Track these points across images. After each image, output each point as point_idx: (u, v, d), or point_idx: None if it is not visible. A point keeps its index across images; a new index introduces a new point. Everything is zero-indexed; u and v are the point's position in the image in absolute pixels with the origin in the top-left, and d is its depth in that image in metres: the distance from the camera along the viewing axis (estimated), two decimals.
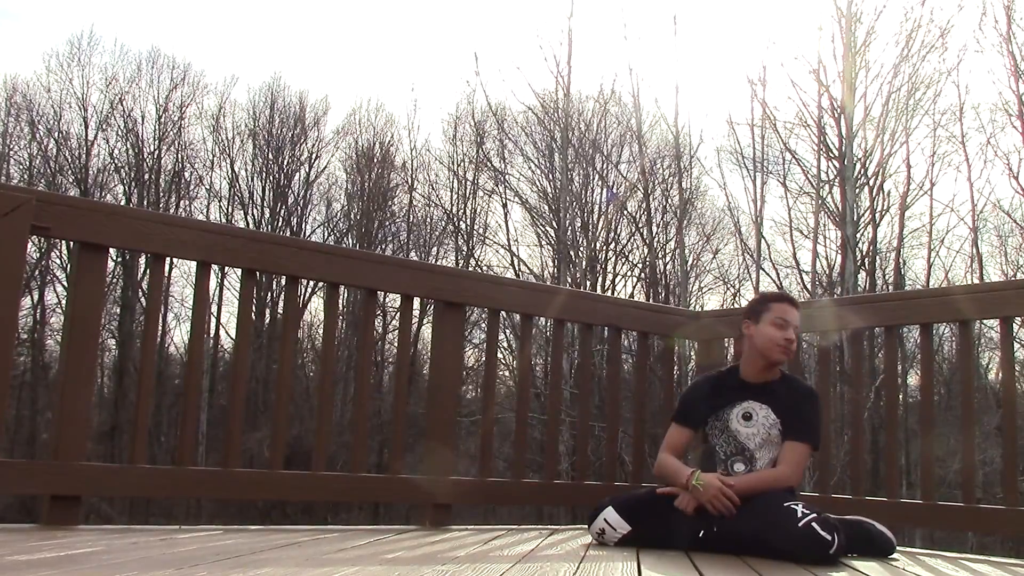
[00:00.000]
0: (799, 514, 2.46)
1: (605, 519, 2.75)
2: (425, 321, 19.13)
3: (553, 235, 18.47)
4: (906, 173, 15.84)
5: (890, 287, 16.45)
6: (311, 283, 15.92)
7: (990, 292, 3.33)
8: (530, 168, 19.92)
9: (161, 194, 22.66)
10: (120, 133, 22.49)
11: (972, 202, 16.07)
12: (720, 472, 2.80)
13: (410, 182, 23.43)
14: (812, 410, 2.86)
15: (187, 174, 23.03)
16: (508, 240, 21.08)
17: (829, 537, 2.43)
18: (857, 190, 14.79)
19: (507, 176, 20.33)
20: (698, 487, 2.67)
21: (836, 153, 14.72)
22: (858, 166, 14.79)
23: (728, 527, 2.61)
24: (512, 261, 20.38)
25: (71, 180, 21.86)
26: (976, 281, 15.70)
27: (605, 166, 19.74)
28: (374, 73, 35.32)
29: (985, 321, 10.29)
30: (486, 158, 21.07)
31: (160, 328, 20.03)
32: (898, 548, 2.82)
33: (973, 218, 16.21)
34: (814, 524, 2.44)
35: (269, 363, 19.88)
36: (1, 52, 29.39)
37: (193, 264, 3.05)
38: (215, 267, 3.17)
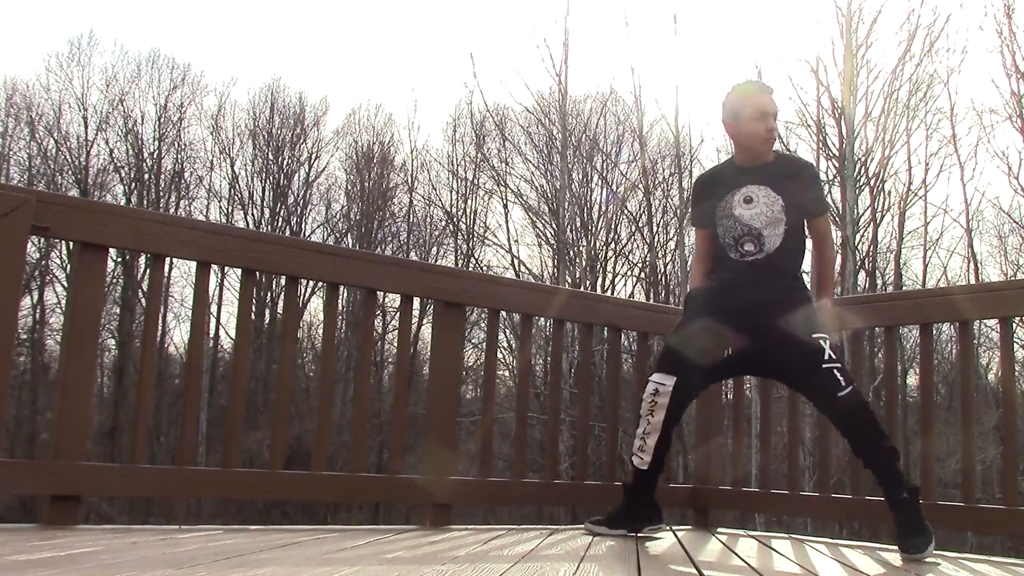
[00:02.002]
0: (826, 355, 2.76)
1: (653, 380, 3.00)
2: (425, 321, 19.13)
3: (552, 235, 18.48)
4: (907, 173, 15.86)
5: (890, 287, 16.46)
6: (311, 283, 15.92)
7: (989, 292, 3.33)
8: (529, 169, 19.94)
9: (161, 194, 22.67)
10: (120, 133, 22.51)
11: (966, 203, 16.10)
12: (732, 255, 2.98)
13: (410, 182, 23.45)
14: (817, 181, 3.17)
15: (187, 174, 23.07)
16: (508, 240, 21.11)
17: (844, 382, 2.74)
18: (858, 191, 14.79)
19: (507, 176, 20.35)
20: None
21: (836, 153, 14.72)
22: (858, 166, 14.79)
23: (759, 349, 2.93)
24: (512, 262, 20.40)
25: (71, 180, 21.88)
26: (972, 282, 15.71)
27: (605, 165, 19.76)
28: (373, 74, 35.36)
29: (985, 321, 10.29)
30: (485, 158, 21.08)
31: (160, 328, 20.03)
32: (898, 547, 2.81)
33: (967, 219, 16.23)
34: (835, 371, 2.74)
35: (269, 363, 19.88)
36: (0, 52, 29.41)
37: (193, 264, 3.05)
38: (215, 267, 3.17)
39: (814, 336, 2.81)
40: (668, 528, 3.32)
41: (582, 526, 3.21)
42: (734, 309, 2.93)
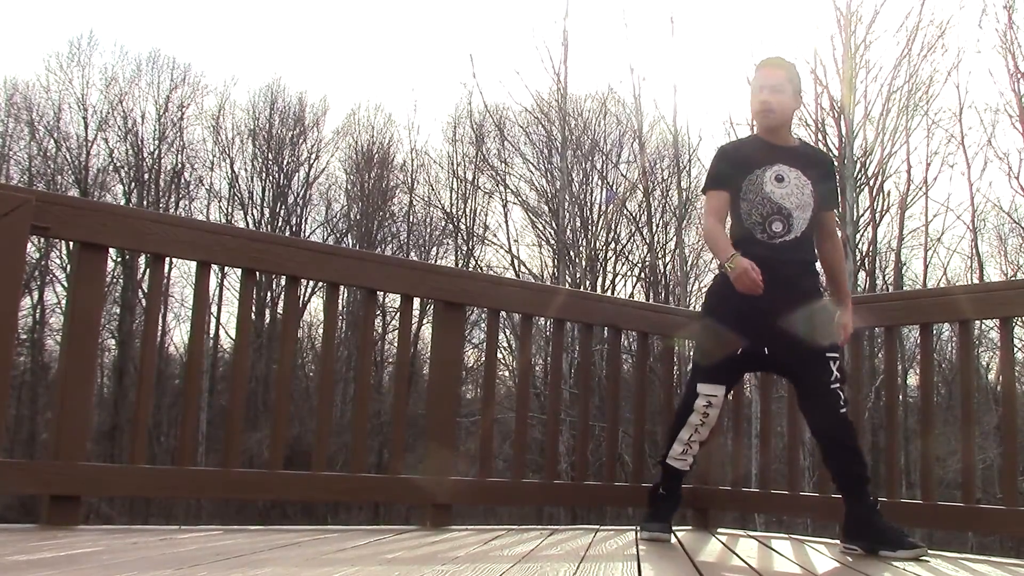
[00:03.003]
0: (834, 376, 2.80)
1: (704, 393, 2.98)
2: (425, 321, 19.14)
3: (552, 235, 18.49)
4: (906, 173, 15.86)
5: (890, 287, 16.46)
6: (311, 283, 15.92)
7: (990, 292, 3.33)
8: (528, 169, 19.95)
9: (161, 194, 22.67)
10: (120, 133, 22.52)
11: (972, 203, 16.09)
12: (758, 235, 2.93)
13: (410, 182, 23.47)
14: (836, 174, 3.19)
15: (187, 174, 23.07)
16: (508, 240, 21.12)
17: (843, 402, 2.81)
18: (857, 190, 14.78)
19: (507, 176, 20.36)
20: (730, 268, 2.82)
21: (836, 153, 14.72)
22: (858, 165, 14.79)
23: (780, 352, 2.94)
24: (512, 262, 20.41)
25: (71, 180, 21.88)
26: (976, 281, 15.70)
27: (605, 166, 19.77)
28: (373, 74, 35.36)
29: (985, 321, 10.29)
30: (485, 159, 21.09)
31: (160, 328, 20.03)
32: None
33: (972, 218, 16.22)
34: (840, 391, 2.80)
35: (269, 363, 19.88)
36: (0, 53, 29.41)
37: (193, 264, 3.05)
38: (215, 267, 3.17)
39: (828, 355, 2.84)
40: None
41: (583, 526, 3.21)
42: (758, 311, 2.87)
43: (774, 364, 3.09)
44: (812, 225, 2.97)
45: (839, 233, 3.17)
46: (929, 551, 2.73)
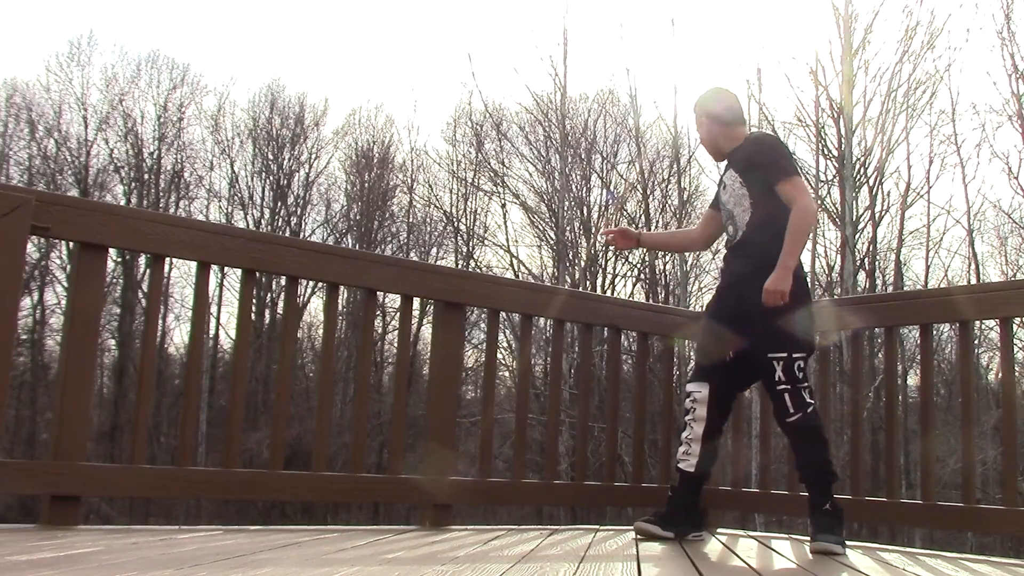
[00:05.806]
0: (776, 377, 2.82)
1: (688, 390, 3.07)
2: (425, 321, 19.13)
3: (552, 235, 18.48)
4: (907, 173, 15.85)
5: (890, 287, 16.46)
6: (311, 283, 15.92)
7: (990, 293, 3.32)
8: (527, 171, 19.95)
9: (161, 194, 22.67)
10: (120, 133, 22.52)
11: (967, 204, 16.07)
12: (724, 244, 3.14)
13: (409, 183, 23.46)
14: (767, 148, 3.04)
15: (187, 174, 23.07)
16: (507, 240, 21.11)
17: (792, 409, 2.81)
18: (856, 190, 14.78)
19: (506, 177, 20.35)
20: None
21: (835, 153, 14.72)
22: (857, 165, 14.79)
23: (741, 352, 2.98)
24: (512, 262, 20.41)
25: (71, 180, 21.88)
26: (973, 282, 15.69)
27: (604, 166, 19.76)
28: (373, 74, 35.35)
29: (985, 322, 10.29)
30: (485, 159, 21.09)
31: (160, 328, 20.02)
32: (898, 548, 2.82)
33: (968, 219, 16.20)
34: (786, 395, 2.81)
35: (269, 363, 19.88)
36: (0, 53, 29.41)
37: (193, 264, 3.05)
38: (215, 267, 3.17)
39: (769, 356, 2.86)
40: (711, 535, 3.28)
41: (583, 526, 3.21)
42: (726, 318, 3.01)
43: (746, 366, 3.07)
44: (758, 211, 2.95)
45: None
46: (929, 551, 2.73)
